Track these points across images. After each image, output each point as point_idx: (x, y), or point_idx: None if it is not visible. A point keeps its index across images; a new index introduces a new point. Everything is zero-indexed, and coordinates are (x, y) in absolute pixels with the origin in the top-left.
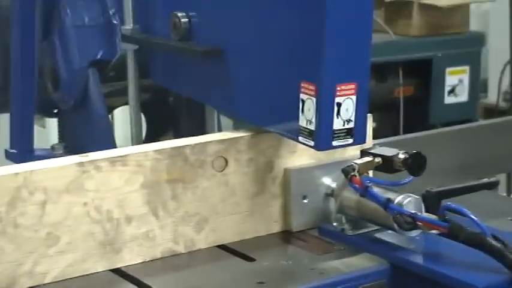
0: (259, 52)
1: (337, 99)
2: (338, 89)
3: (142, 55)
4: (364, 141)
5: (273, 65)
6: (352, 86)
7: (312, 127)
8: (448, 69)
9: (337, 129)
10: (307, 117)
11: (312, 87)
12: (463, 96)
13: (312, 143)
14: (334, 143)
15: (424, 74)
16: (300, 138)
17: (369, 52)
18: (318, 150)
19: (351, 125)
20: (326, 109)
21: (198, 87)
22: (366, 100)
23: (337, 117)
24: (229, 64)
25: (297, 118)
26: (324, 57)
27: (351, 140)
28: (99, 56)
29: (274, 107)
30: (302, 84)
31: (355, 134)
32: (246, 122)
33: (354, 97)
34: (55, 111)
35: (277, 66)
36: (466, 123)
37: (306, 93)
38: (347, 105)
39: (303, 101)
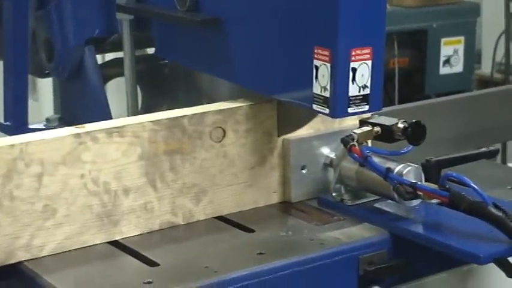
0: (268, 18)
1: (352, 64)
2: (353, 53)
3: (137, 26)
4: (380, 108)
5: (283, 31)
6: (368, 51)
7: (327, 94)
8: (443, 40)
9: (353, 96)
10: (322, 84)
11: (326, 53)
12: (458, 67)
13: (327, 111)
14: (350, 110)
15: (419, 44)
16: (314, 106)
17: (384, 15)
18: (334, 118)
19: (367, 91)
20: (341, 75)
21: (202, 58)
22: (382, 65)
23: (353, 83)
24: (237, 33)
25: (310, 85)
26: (338, 21)
27: (366, 107)
28: (96, 34)
29: (286, 75)
30: (315, 50)
31: (371, 100)
32: (254, 91)
33: (369, 62)
34: (46, 71)
35: (288, 32)
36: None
37: (320, 59)
38: (362, 71)
39: (317, 67)
